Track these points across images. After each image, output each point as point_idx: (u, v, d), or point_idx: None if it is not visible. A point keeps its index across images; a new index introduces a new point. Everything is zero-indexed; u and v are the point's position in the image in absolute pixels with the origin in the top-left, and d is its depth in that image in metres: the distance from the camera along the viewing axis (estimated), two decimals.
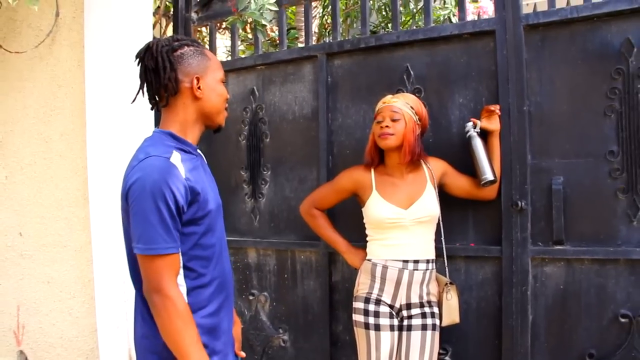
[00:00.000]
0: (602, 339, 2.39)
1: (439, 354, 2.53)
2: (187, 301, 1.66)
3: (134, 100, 1.83)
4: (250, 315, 3.26)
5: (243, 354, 1.98)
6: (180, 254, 1.65)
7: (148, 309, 1.65)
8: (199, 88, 1.72)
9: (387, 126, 2.41)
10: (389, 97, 2.50)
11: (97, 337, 3.24)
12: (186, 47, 1.74)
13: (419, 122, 2.46)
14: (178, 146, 1.70)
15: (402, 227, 2.41)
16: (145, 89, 1.76)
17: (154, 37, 3.33)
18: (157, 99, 1.75)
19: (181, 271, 1.66)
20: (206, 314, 1.72)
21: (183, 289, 1.66)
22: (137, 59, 1.76)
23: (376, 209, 2.44)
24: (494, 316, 2.60)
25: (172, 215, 1.58)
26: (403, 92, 2.73)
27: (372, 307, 2.44)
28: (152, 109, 1.81)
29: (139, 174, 1.59)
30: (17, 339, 3.63)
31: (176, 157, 1.64)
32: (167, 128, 1.74)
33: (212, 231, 1.75)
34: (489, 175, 2.42)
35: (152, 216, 1.56)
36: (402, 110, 2.42)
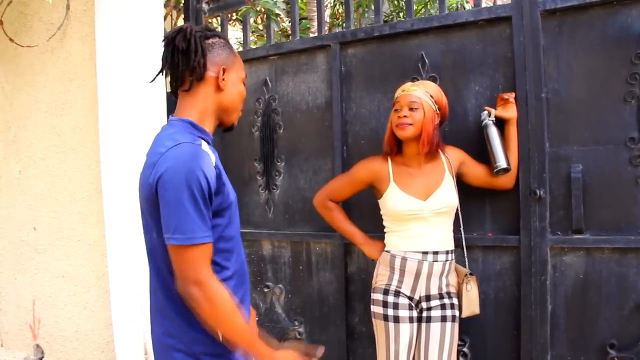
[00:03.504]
0: (624, 329, 2.36)
1: (458, 345, 2.51)
2: None
3: (153, 80, 1.83)
4: (266, 308, 3.25)
5: None
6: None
7: (174, 305, 1.63)
8: (223, 79, 1.71)
9: (405, 116, 2.38)
10: (408, 85, 2.46)
11: (112, 330, 3.25)
12: (217, 39, 1.74)
13: (438, 111, 2.42)
14: (201, 135, 1.67)
15: (421, 219, 2.38)
16: (169, 71, 1.73)
17: (165, 30, 3.32)
18: (181, 83, 1.71)
19: None
20: None
21: None
22: (166, 41, 1.72)
23: (394, 201, 2.41)
24: (513, 307, 2.57)
25: (206, 203, 1.56)
26: (419, 80, 2.70)
27: (391, 299, 2.41)
28: (171, 93, 1.77)
29: (172, 161, 1.55)
30: (33, 333, 3.64)
31: (205, 146, 1.63)
32: (185, 116, 1.70)
33: (234, 223, 1.73)
34: (502, 163, 2.39)
35: (188, 205, 1.52)
36: (421, 99, 2.38)
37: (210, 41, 1.71)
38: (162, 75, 1.77)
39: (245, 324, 1.61)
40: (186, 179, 1.51)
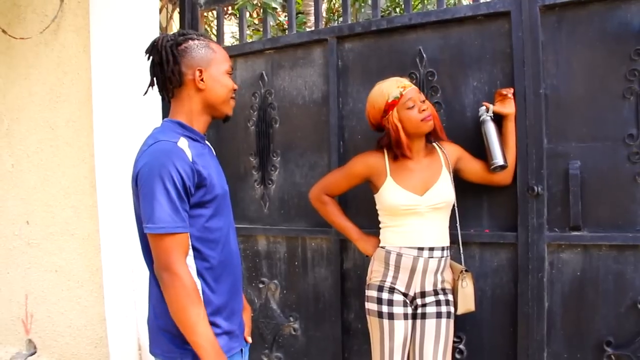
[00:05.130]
0: (620, 326, 2.35)
1: (453, 342, 2.49)
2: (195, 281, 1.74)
3: (145, 93, 1.93)
4: (261, 303, 3.23)
5: (250, 340, 2.00)
6: (189, 234, 1.72)
7: (159, 289, 1.72)
8: (201, 80, 1.80)
9: (425, 109, 2.36)
10: (405, 81, 2.42)
11: (105, 325, 3.23)
12: (190, 41, 1.82)
13: None
14: (185, 134, 1.78)
15: (417, 214, 2.36)
16: (155, 82, 1.85)
17: (160, 23, 3.29)
18: (166, 91, 1.84)
19: (191, 252, 1.74)
20: (214, 294, 1.79)
21: (193, 270, 1.74)
22: (146, 54, 1.85)
23: (391, 195, 2.38)
24: (509, 303, 2.56)
25: (180, 196, 1.66)
26: (415, 76, 2.70)
27: (385, 296, 2.39)
28: (163, 100, 1.90)
29: (148, 157, 1.68)
30: (25, 328, 3.62)
31: (183, 143, 1.73)
32: (175, 118, 1.83)
33: (219, 215, 1.82)
34: (498, 160, 2.38)
35: (160, 197, 1.64)
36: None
37: (183, 46, 1.80)
38: (152, 87, 1.88)
39: (200, 318, 1.67)
40: (159, 173, 1.64)
